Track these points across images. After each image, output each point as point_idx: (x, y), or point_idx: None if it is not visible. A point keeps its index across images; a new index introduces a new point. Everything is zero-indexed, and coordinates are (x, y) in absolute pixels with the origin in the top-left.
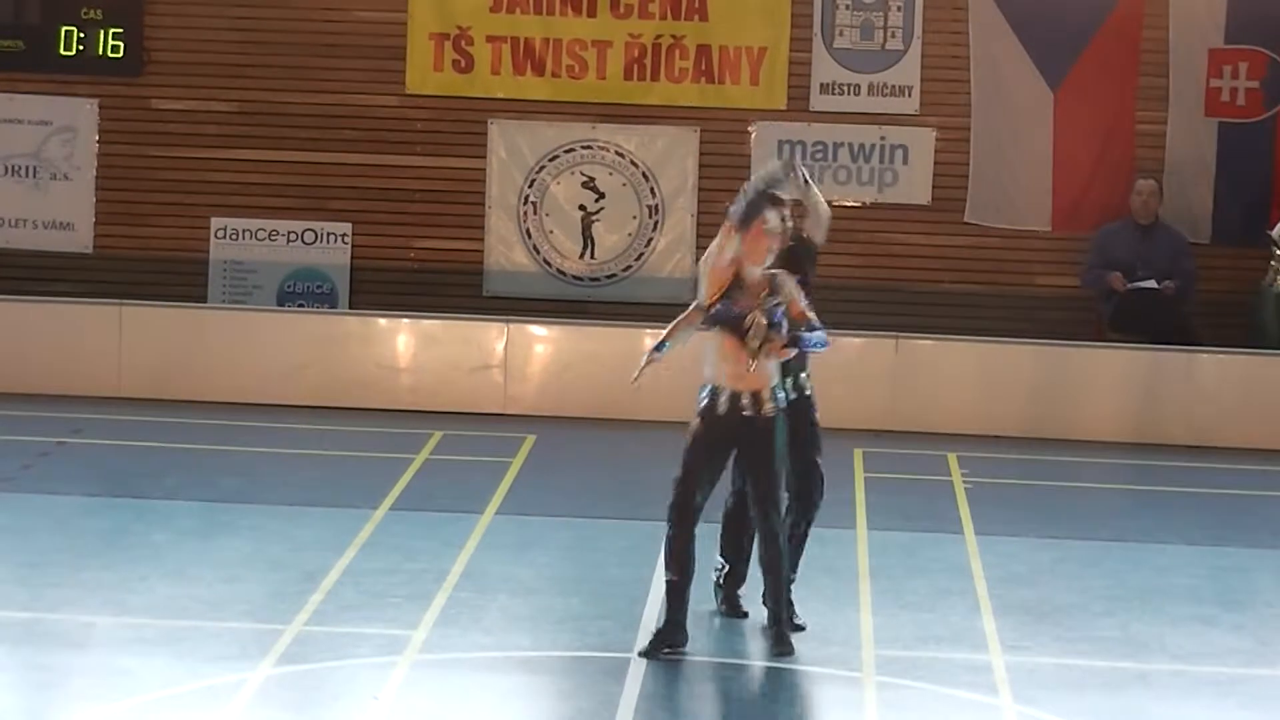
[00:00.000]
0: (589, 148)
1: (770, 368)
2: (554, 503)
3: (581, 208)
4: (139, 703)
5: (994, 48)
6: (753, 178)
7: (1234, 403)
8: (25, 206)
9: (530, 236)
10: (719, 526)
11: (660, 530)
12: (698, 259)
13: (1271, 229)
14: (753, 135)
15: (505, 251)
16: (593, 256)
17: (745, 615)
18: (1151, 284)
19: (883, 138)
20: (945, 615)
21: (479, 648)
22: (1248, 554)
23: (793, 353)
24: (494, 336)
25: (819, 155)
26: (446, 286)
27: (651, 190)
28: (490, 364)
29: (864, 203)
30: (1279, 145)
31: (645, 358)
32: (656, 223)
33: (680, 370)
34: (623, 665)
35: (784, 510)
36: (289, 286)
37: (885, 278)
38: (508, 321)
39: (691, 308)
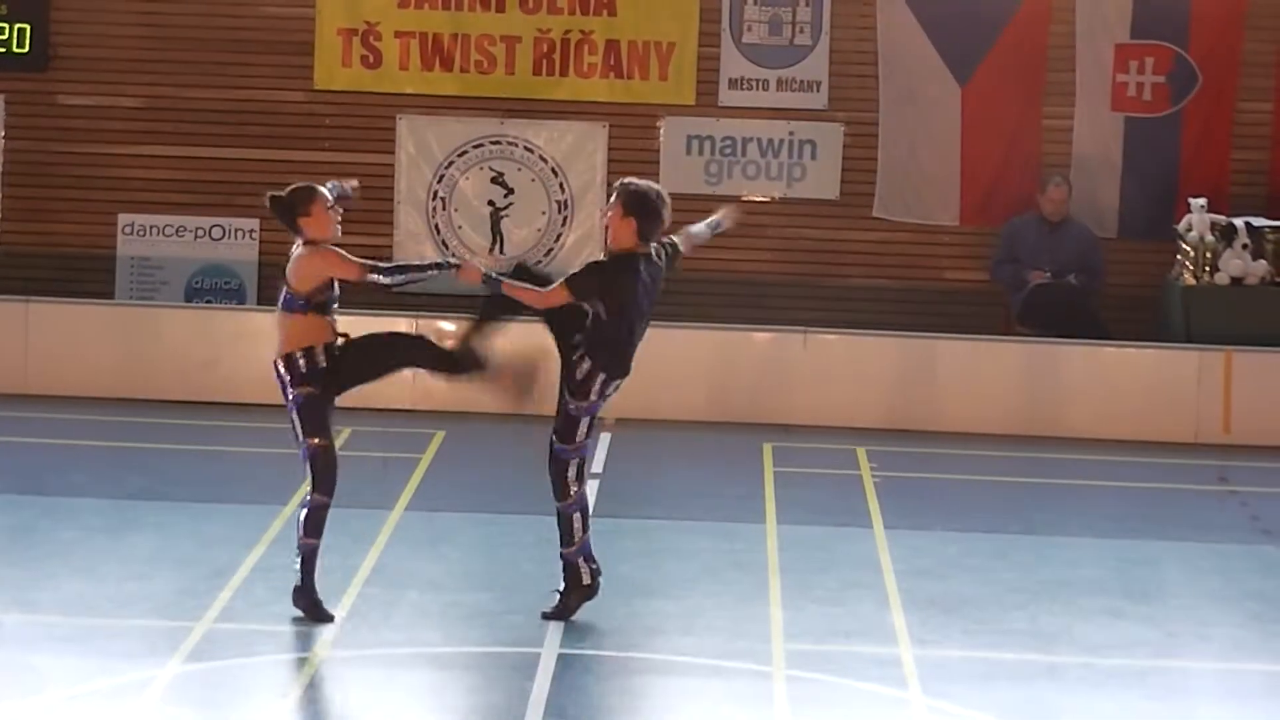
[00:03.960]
0: (498, 143)
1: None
2: (464, 498)
3: (490, 203)
4: (47, 700)
5: (902, 43)
6: None
7: (1141, 396)
8: None
9: (439, 232)
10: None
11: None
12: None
13: (1177, 223)
14: (661, 130)
15: (414, 247)
16: (502, 252)
17: None
18: (1071, 280)
19: (791, 133)
20: (854, 609)
21: (389, 644)
22: (1155, 546)
23: None
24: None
25: (728, 150)
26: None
27: (560, 186)
28: None
29: (772, 198)
30: (1185, 139)
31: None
32: (565, 218)
33: None
34: (533, 660)
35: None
36: (196, 283)
37: (794, 272)
38: (417, 316)
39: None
